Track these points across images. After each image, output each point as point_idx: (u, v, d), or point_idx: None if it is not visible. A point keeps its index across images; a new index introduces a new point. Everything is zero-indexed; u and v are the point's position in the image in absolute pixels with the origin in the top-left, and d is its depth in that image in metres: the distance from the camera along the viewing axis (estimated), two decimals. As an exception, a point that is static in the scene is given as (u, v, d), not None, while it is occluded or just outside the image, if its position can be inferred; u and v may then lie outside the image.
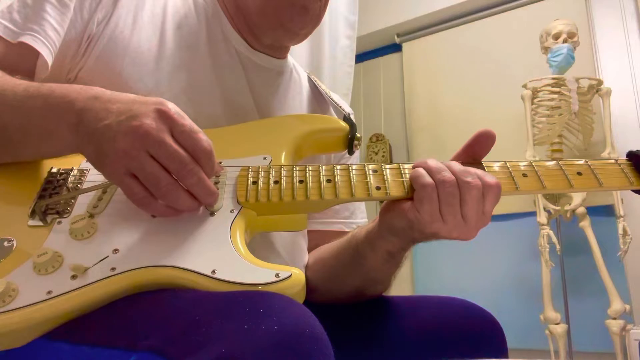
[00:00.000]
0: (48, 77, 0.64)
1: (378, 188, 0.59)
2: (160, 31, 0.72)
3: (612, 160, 0.62)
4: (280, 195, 0.57)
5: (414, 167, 0.59)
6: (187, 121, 0.51)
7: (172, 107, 0.51)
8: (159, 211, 0.52)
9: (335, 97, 0.89)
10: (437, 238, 0.59)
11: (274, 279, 0.47)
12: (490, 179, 0.56)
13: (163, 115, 0.50)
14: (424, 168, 0.57)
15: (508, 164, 0.61)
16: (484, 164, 0.61)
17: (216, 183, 0.58)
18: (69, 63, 0.67)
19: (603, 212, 2.20)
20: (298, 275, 0.47)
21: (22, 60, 0.62)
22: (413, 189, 0.57)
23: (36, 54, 0.62)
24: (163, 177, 0.49)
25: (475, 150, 0.62)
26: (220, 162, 0.60)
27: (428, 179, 0.56)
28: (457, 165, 0.57)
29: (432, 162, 0.57)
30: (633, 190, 0.62)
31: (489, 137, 0.61)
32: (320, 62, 1.99)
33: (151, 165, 0.49)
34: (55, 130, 0.53)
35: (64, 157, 0.60)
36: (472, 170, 0.57)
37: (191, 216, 0.54)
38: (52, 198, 0.56)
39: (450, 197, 0.55)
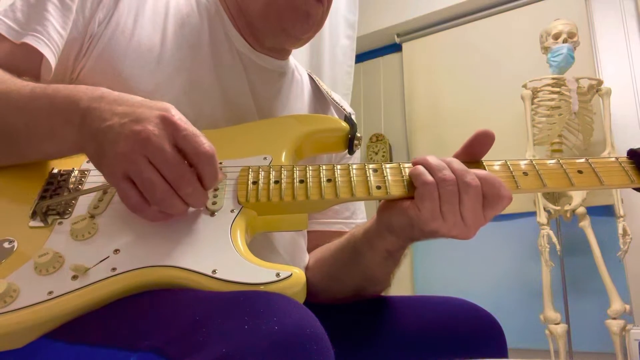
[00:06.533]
0: (53, 77, 0.64)
1: (378, 187, 0.59)
2: (162, 30, 0.72)
3: (613, 159, 0.62)
4: (281, 195, 0.57)
5: (413, 164, 0.59)
6: (190, 127, 0.51)
7: (176, 114, 0.51)
8: (152, 217, 0.52)
9: (337, 97, 0.89)
10: (436, 236, 0.59)
11: (275, 278, 0.46)
12: (489, 176, 0.56)
13: (166, 122, 0.49)
14: (425, 165, 0.57)
15: (509, 163, 0.61)
16: (484, 163, 0.61)
17: None
18: (72, 63, 0.67)
19: (603, 212, 2.20)
20: (298, 274, 0.47)
21: (27, 62, 0.62)
22: (413, 187, 0.57)
23: (40, 55, 0.62)
24: (159, 184, 0.48)
25: (474, 150, 0.61)
26: (221, 163, 0.59)
27: (429, 177, 0.56)
28: (457, 163, 0.57)
29: (433, 160, 0.57)
30: (634, 189, 0.62)
31: (487, 136, 0.61)
32: (320, 62, 1.99)
33: (149, 171, 0.48)
34: (60, 130, 0.53)
35: (66, 158, 0.60)
36: (472, 170, 0.57)
37: (192, 216, 0.54)
38: (53, 199, 0.55)
39: (452, 196, 0.55)
